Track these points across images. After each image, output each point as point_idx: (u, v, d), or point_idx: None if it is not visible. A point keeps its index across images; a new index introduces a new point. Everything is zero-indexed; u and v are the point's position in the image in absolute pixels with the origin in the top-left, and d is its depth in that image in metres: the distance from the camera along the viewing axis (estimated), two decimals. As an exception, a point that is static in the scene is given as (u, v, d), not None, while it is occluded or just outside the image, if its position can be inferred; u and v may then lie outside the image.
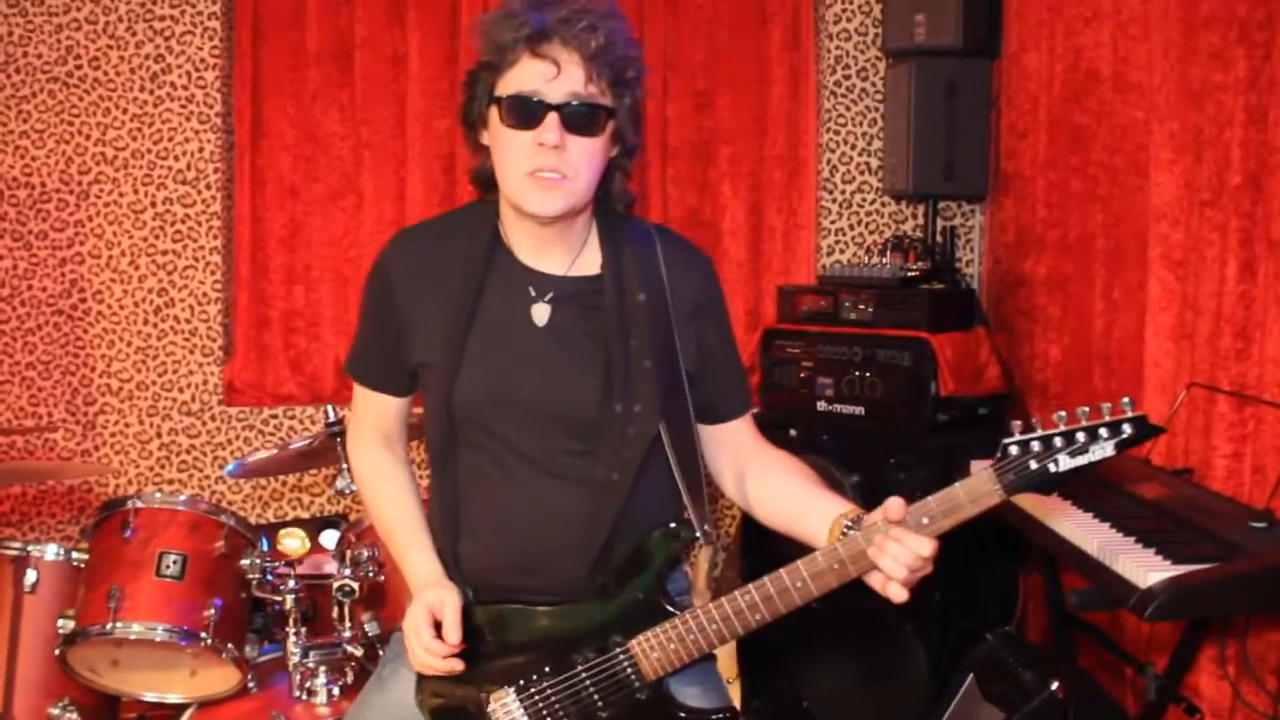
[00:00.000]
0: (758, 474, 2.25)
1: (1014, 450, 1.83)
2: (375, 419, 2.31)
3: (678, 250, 2.23)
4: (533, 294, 2.14)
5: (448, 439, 2.15)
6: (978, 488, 1.85)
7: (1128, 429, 1.79)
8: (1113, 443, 1.79)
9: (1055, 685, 3.14)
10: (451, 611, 2.07)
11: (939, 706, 3.52)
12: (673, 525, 2.10)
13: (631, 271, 2.14)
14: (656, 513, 2.13)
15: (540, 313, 2.13)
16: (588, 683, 2.10)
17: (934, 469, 3.54)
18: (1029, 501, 2.65)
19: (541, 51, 1.98)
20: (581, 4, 2.01)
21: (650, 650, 2.07)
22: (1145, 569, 2.17)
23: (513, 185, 2.06)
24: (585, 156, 2.04)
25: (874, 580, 1.95)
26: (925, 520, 1.89)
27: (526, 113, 2.00)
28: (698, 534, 2.12)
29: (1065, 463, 1.80)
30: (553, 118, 1.99)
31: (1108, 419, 1.80)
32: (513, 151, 2.03)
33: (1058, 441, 1.81)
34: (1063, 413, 1.82)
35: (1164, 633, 3.00)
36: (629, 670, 2.08)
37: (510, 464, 2.12)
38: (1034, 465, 1.81)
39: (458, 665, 2.08)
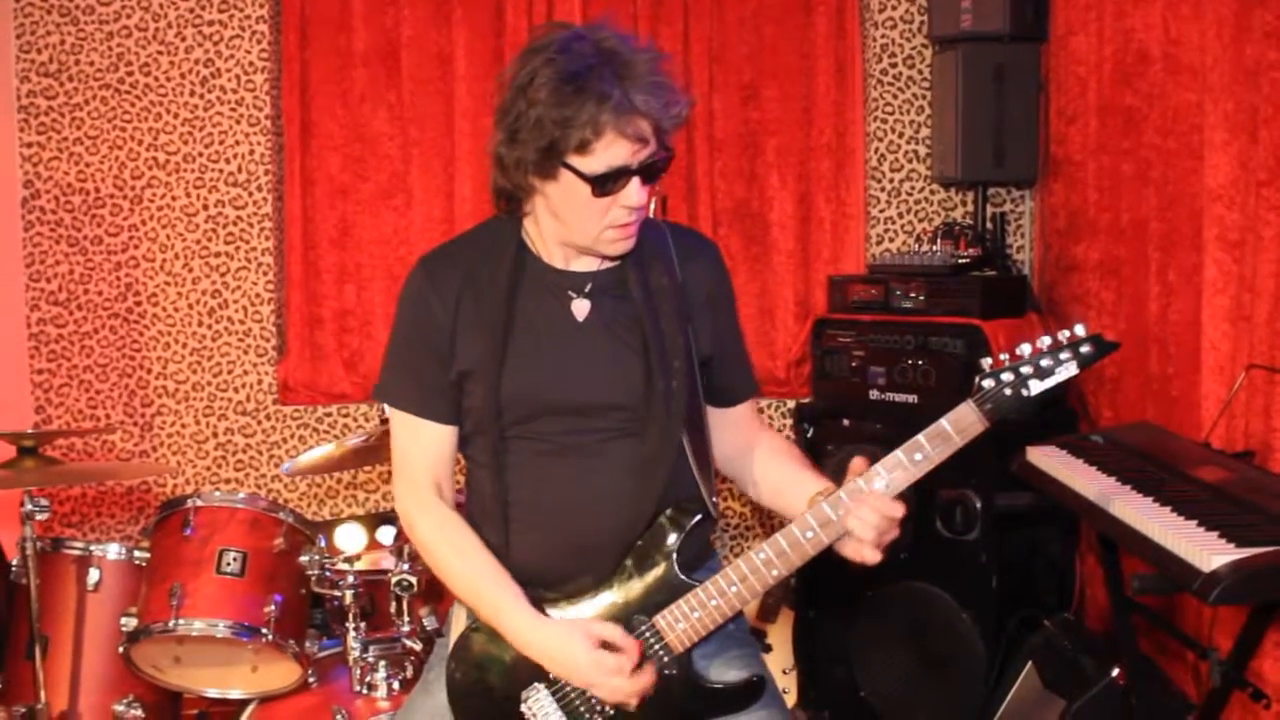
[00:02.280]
0: (754, 453, 2.36)
1: (988, 384, 2.00)
2: (426, 461, 2.23)
3: (688, 240, 2.33)
4: (571, 294, 2.19)
5: (496, 438, 2.17)
6: (962, 419, 2.01)
7: (1087, 348, 1.99)
8: (1075, 362, 1.99)
9: (1116, 672, 3.11)
10: (612, 629, 2.10)
11: (998, 694, 3.51)
12: (681, 502, 2.18)
13: (651, 259, 2.22)
14: (683, 491, 2.20)
15: (580, 308, 2.19)
16: None
17: (989, 457, 3.52)
18: (1088, 487, 2.63)
19: (629, 132, 2.01)
20: (647, 66, 2.03)
21: (675, 622, 2.12)
22: (1209, 553, 2.15)
23: (588, 236, 2.12)
24: (649, 196, 2.12)
25: (847, 549, 2.06)
26: (918, 456, 2.02)
27: (618, 184, 2.05)
28: (708, 507, 2.21)
29: (1036, 386, 1.99)
30: (635, 181, 2.06)
31: (1066, 342, 1.99)
32: (593, 213, 2.08)
33: (1025, 369, 1.99)
34: (1026, 345, 2.00)
35: (1226, 617, 2.97)
36: (656, 646, 2.12)
37: (560, 454, 2.17)
38: (1009, 393, 1.99)
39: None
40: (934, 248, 4.17)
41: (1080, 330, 1.99)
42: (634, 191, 2.06)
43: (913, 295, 3.95)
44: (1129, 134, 3.66)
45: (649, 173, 2.07)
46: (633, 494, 2.15)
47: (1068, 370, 1.98)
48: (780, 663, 3.88)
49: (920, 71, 4.60)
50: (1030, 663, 3.42)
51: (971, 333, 3.74)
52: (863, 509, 2.01)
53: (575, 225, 2.12)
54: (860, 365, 3.99)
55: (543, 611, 2.15)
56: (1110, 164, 3.80)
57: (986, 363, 2.01)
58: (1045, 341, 2.00)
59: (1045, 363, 1.98)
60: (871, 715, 3.89)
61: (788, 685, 3.91)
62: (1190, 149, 3.29)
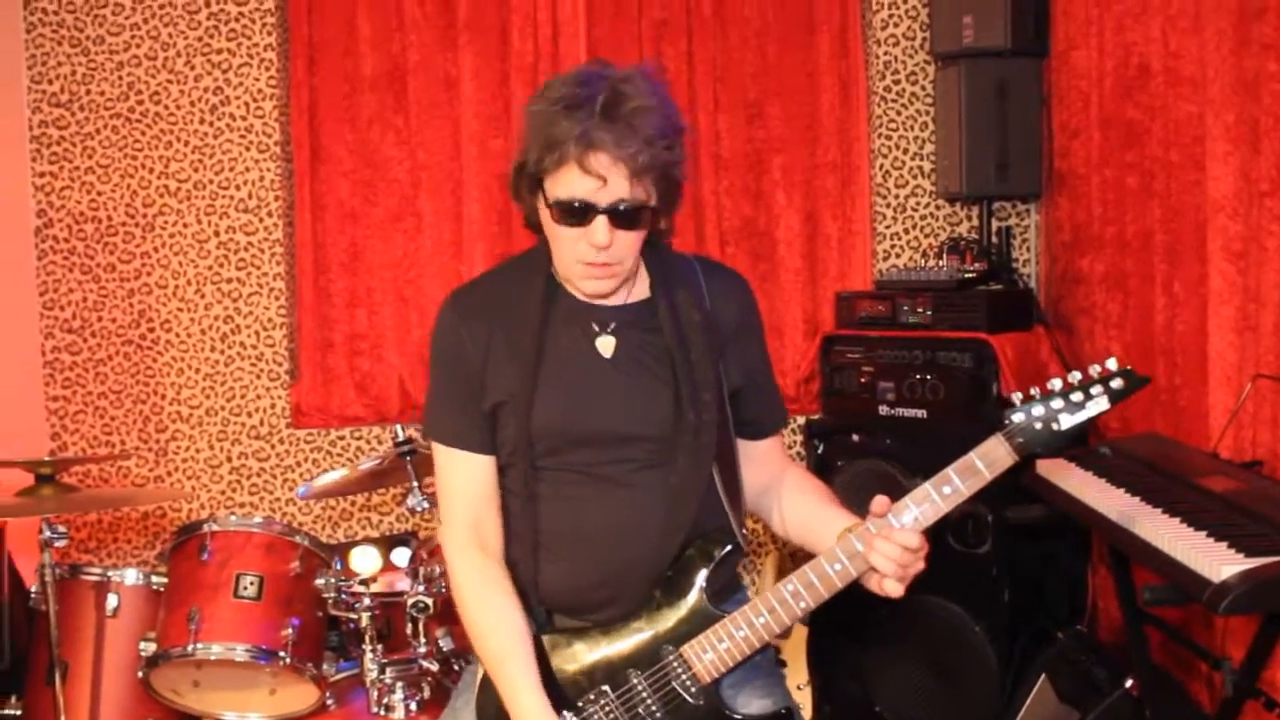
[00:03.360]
0: (782, 489, 2.37)
1: (1019, 418, 2.01)
2: (467, 496, 2.23)
3: (718, 275, 2.33)
4: (595, 328, 2.20)
5: (527, 469, 2.18)
6: (991, 453, 2.03)
7: (1118, 382, 2.00)
8: (1106, 397, 2.00)
9: (1129, 683, 3.12)
10: None
11: (1012, 708, 3.51)
12: (710, 533, 2.19)
13: (681, 293, 2.22)
14: (712, 522, 2.22)
15: (605, 344, 2.20)
16: (644, 695, 2.14)
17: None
18: (1097, 499, 2.65)
19: (589, 166, 2.00)
20: (636, 104, 2.01)
21: (703, 652, 2.12)
22: (1218, 563, 2.16)
23: (566, 268, 2.15)
24: (630, 244, 2.11)
25: (871, 582, 2.09)
26: (947, 490, 2.04)
27: (576, 216, 2.05)
28: (737, 539, 2.22)
29: (1066, 421, 2.00)
30: (601, 220, 2.04)
31: (1097, 377, 2.00)
32: (564, 242, 2.10)
33: (1056, 404, 2.00)
34: (1057, 380, 2.01)
35: (1239, 627, 2.98)
36: (683, 676, 2.13)
37: (591, 485, 2.18)
38: (1039, 427, 2.01)
39: None
40: (940, 263, 4.20)
41: (1112, 364, 2.00)
42: (599, 229, 2.04)
43: (920, 310, 3.96)
44: (1131, 147, 3.69)
45: (620, 217, 2.05)
46: (662, 525, 2.16)
47: (1099, 405, 1.99)
48: (794, 679, 3.89)
49: (923, 88, 4.63)
50: (1044, 675, 3.43)
51: (979, 347, 3.75)
52: (883, 543, 2.02)
53: (556, 251, 2.14)
54: (869, 381, 4.00)
55: (579, 640, 2.17)
56: (1114, 177, 3.82)
57: (1017, 396, 2.00)
58: (1076, 376, 2.01)
59: (1076, 397, 1.99)
60: (886, 730, 3.90)
61: (802, 702, 3.92)
62: (1193, 161, 3.31)
